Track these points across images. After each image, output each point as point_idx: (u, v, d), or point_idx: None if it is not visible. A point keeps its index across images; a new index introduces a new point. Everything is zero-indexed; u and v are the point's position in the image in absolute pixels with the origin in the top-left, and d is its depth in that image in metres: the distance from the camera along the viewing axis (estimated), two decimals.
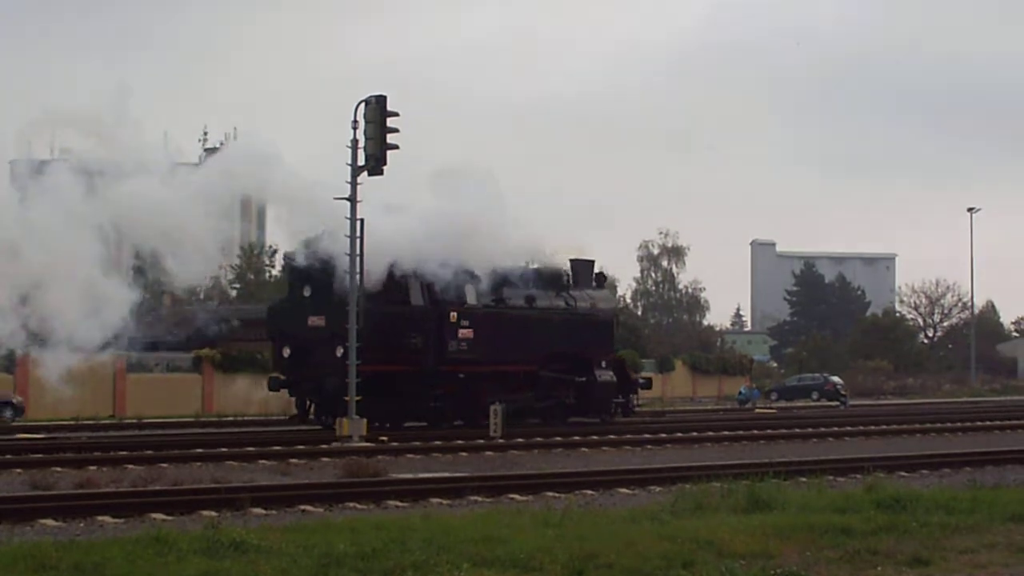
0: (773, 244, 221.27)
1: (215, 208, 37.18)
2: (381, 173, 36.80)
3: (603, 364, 45.68)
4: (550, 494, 22.94)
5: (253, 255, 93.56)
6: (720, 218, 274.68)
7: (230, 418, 50.68)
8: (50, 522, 19.03)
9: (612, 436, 38.39)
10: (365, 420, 36.96)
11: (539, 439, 37.20)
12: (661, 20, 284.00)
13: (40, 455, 30.98)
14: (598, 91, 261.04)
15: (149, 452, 32.03)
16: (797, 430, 43.19)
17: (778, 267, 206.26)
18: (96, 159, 34.94)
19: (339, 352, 37.99)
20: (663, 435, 39.80)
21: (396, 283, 40.55)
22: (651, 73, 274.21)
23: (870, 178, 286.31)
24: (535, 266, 44.89)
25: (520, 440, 36.66)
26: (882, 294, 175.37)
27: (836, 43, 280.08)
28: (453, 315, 41.25)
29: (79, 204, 33.12)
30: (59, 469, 27.73)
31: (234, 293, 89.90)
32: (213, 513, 19.70)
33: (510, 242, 42.64)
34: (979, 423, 48.66)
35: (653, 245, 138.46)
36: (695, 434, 40.76)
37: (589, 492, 23.67)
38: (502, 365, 42.79)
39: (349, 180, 36.97)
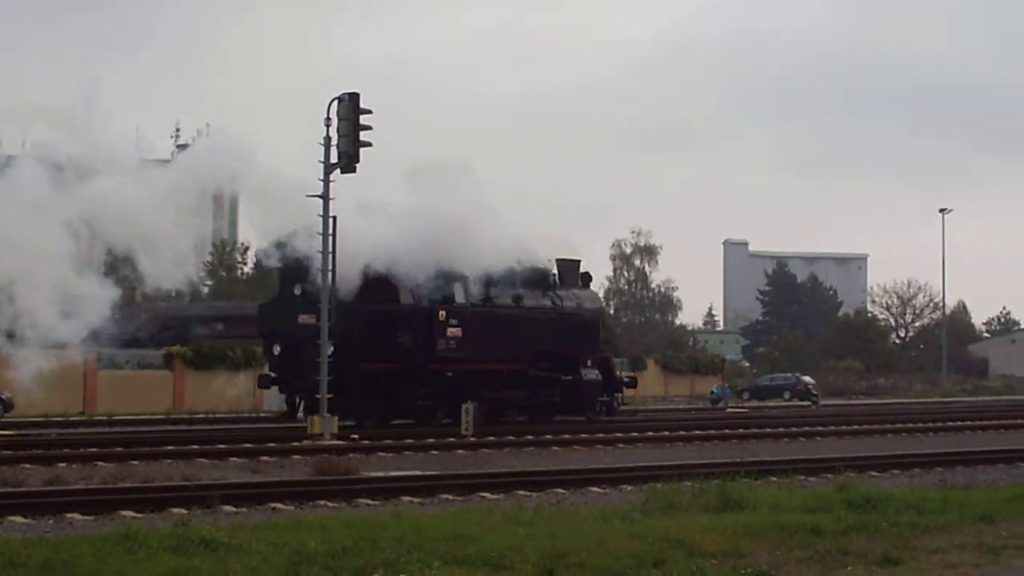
0: (746, 244, 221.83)
1: (186, 205, 37.05)
2: (354, 171, 36.77)
3: (589, 363, 46.04)
4: (521, 492, 22.91)
5: (225, 252, 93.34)
6: (693, 217, 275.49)
7: (201, 415, 50.55)
8: (19, 519, 18.92)
9: (584, 435, 38.39)
10: (336, 418, 36.96)
11: (511, 438, 37.19)
12: (636, 20, 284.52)
13: (9, 452, 30.81)
14: (572, 90, 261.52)
15: (119, 449, 31.88)
16: (769, 430, 43.26)
17: (750, 267, 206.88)
18: (67, 154, 34.73)
19: (330, 350, 38.21)
20: (635, 434, 39.83)
21: (385, 282, 40.66)
22: (624, 73, 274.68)
23: (842, 178, 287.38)
24: (521, 266, 44.95)
25: (492, 438, 36.64)
26: (854, 294, 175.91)
27: (809, 44, 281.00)
28: (442, 314, 41.57)
29: (49, 200, 32.92)
30: (28, 466, 27.60)
31: (206, 290, 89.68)
32: (183, 511, 19.61)
33: (495, 240, 42.72)
34: (950, 423, 48.78)
35: (626, 244, 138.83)
36: (667, 433, 40.76)
37: (561, 491, 23.63)
38: (489, 363, 43.14)
39: (322, 178, 36.91)
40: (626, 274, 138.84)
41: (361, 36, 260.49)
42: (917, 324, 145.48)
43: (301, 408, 41.82)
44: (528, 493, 22.87)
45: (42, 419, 44.93)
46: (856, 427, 45.16)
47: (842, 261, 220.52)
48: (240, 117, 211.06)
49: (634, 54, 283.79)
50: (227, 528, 16.30)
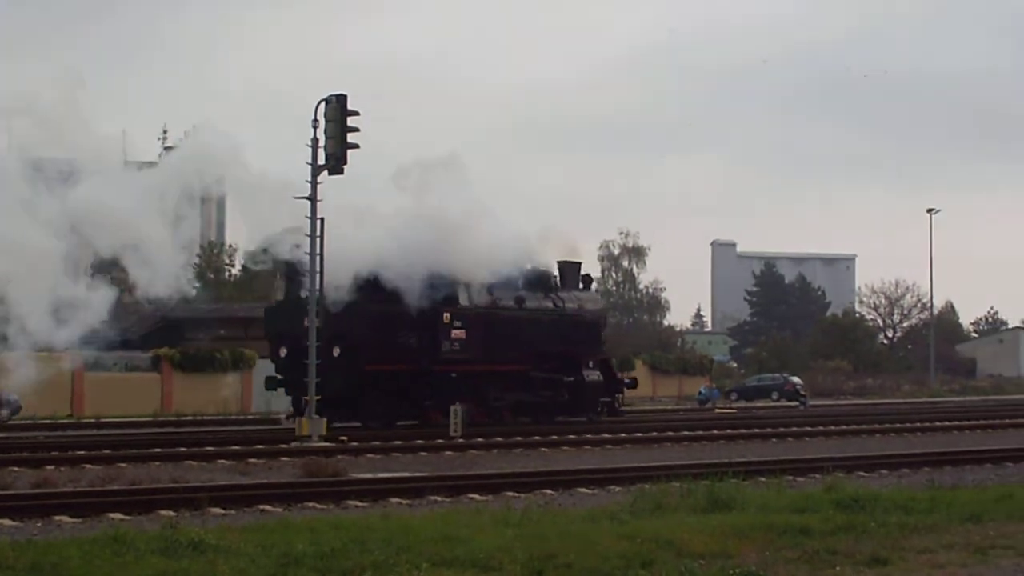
0: (733, 244, 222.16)
1: (173, 207, 36.96)
2: (341, 172, 36.73)
3: (591, 364, 46.59)
4: (510, 494, 22.91)
5: (212, 254, 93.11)
6: (681, 218, 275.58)
7: (189, 417, 50.48)
8: (7, 522, 18.88)
9: (572, 436, 38.41)
10: (324, 419, 37.00)
11: (499, 439, 37.20)
12: (623, 18, 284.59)
13: None
14: (558, 88, 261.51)
15: (107, 451, 31.83)
16: (757, 430, 43.29)
17: (738, 267, 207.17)
18: (51, 156, 34.66)
19: (336, 352, 39.00)
20: (623, 435, 39.84)
21: (390, 284, 40.89)
22: (612, 72, 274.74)
23: (831, 179, 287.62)
24: (523, 268, 45.38)
25: (480, 440, 36.64)
26: (842, 294, 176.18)
27: (799, 44, 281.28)
28: (446, 316, 41.88)
29: (36, 201, 32.82)
30: (16, 468, 27.53)
31: (194, 292, 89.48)
32: (171, 513, 19.61)
33: (495, 242, 43.06)
34: (938, 423, 48.81)
35: (614, 245, 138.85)
36: (655, 434, 40.81)
37: (549, 492, 23.63)
38: (493, 365, 43.53)
39: (309, 179, 36.87)
40: (614, 275, 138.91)
41: (357, 33, 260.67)
42: (905, 324, 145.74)
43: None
44: (516, 494, 22.86)
45: (30, 421, 44.86)
46: (844, 427, 45.20)
47: (830, 261, 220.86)
48: (233, 117, 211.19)
49: (619, 52, 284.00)
50: (215, 530, 16.27)
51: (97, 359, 54.76)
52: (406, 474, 26.41)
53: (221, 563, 13.87)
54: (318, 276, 37.28)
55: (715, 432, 41.67)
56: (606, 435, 39.39)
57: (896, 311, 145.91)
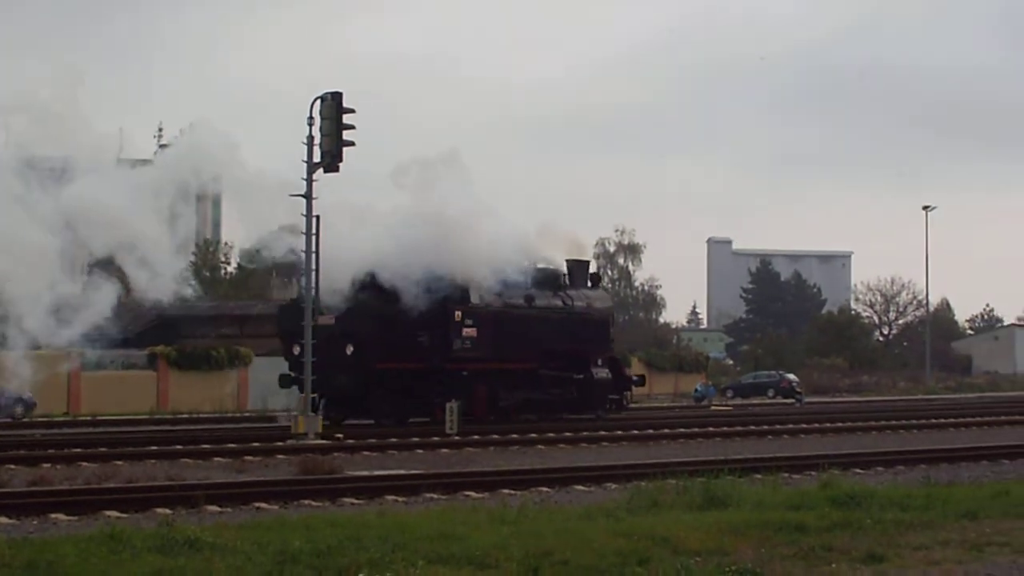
0: (729, 242, 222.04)
1: (169, 205, 36.94)
2: (337, 170, 36.81)
3: (599, 362, 47.09)
4: (506, 491, 22.94)
5: (208, 251, 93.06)
6: (677, 216, 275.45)
7: (185, 415, 50.50)
8: (3, 520, 18.89)
9: (568, 433, 38.44)
10: (320, 417, 37.12)
11: (495, 436, 37.25)
12: (617, 16, 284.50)
13: None
14: (554, 87, 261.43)
15: (103, 449, 31.87)
16: (753, 427, 43.33)
17: (734, 265, 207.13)
18: (47, 153, 34.61)
19: (349, 350, 39.78)
20: (619, 432, 39.88)
21: (402, 283, 41.27)
22: (609, 70, 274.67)
23: (826, 176, 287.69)
24: (532, 266, 45.91)
25: (476, 437, 36.67)
26: (838, 292, 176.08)
27: (794, 41, 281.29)
28: (458, 314, 42.31)
29: (33, 198, 32.77)
30: (12, 467, 27.58)
31: (190, 290, 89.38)
32: (167, 511, 19.63)
33: (504, 240, 43.49)
34: (933, 420, 48.87)
35: (609, 243, 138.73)
36: (651, 431, 40.85)
37: (545, 489, 23.66)
38: (503, 363, 43.88)
39: (305, 177, 36.88)
40: (610, 272, 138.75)
41: (357, 32, 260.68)
42: (901, 321, 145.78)
43: (321, 407, 42.46)
44: (512, 491, 22.89)
45: (26, 419, 44.92)
46: (840, 424, 45.31)
47: (826, 259, 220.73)
48: (234, 117, 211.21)
49: (617, 50, 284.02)
50: (211, 528, 16.29)
51: (94, 358, 54.84)
52: (402, 471, 26.42)
53: (217, 561, 13.86)
54: (322, 274, 37.58)
55: (711, 429, 41.70)
56: (602, 432, 39.45)
57: (892, 308, 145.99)
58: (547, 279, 46.41)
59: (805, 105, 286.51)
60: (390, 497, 22.21)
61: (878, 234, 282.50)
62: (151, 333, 61.91)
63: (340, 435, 36.40)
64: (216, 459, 30.10)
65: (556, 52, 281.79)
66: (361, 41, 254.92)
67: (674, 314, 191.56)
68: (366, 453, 32.30)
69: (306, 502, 21.43)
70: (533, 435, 37.77)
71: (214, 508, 20.23)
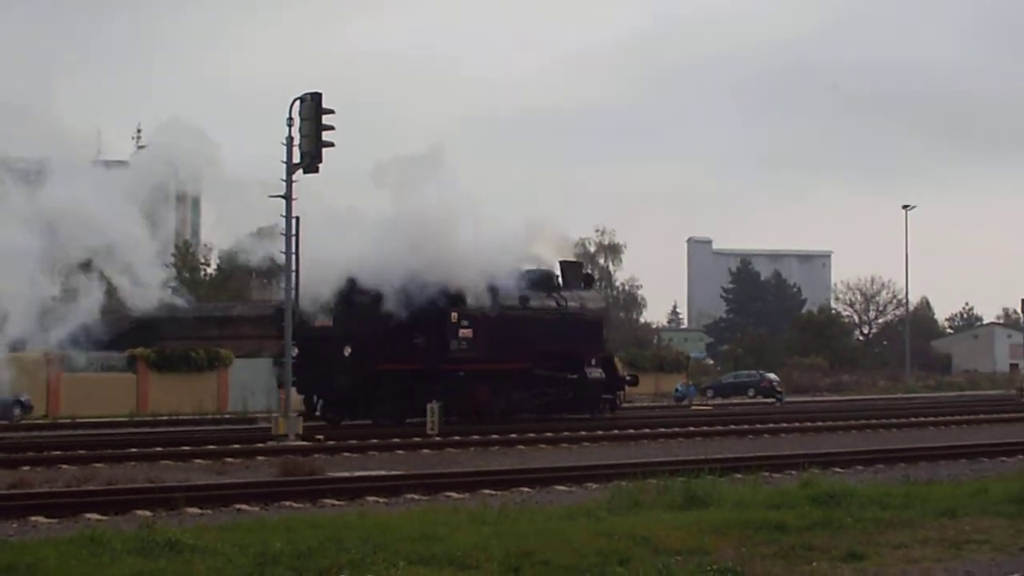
0: (709, 241, 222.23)
1: (144, 206, 36.84)
2: (316, 170, 36.78)
3: (593, 362, 47.27)
4: (487, 492, 22.94)
5: (188, 253, 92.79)
6: (656, 216, 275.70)
7: (164, 417, 50.39)
8: None
9: (549, 434, 38.47)
10: (301, 418, 37.13)
11: (476, 437, 37.23)
12: (599, 15, 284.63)
13: None
14: (532, 86, 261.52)
15: (83, 452, 31.76)
16: (733, 427, 43.38)
17: (714, 264, 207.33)
18: (22, 157, 34.50)
19: (347, 352, 40.33)
20: (600, 432, 39.91)
21: (399, 286, 41.51)
22: (587, 70, 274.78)
23: (806, 176, 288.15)
24: (526, 268, 46.25)
25: (457, 438, 36.66)
26: (818, 291, 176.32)
27: (774, 42, 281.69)
28: (454, 315, 42.63)
29: (11, 200, 32.66)
30: None
31: (169, 291, 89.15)
32: (148, 513, 19.60)
33: (497, 242, 43.79)
34: (913, 419, 49.01)
35: (589, 243, 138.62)
36: (632, 431, 40.86)
37: (526, 489, 23.66)
38: (499, 363, 44.11)
39: (284, 178, 36.85)
40: (590, 272, 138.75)
41: (357, 32, 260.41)
42: (881, 320, 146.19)
43: (319, 408, 43.14)
44: (493, 492, 22.91)
45: (5, 422, 44.77)
46: (820, 424, 45.40)
47: (806, 258, 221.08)
48: (233, 116, 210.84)
49: (595, 48, 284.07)
50: (192, 530, 16.27)
51: (74, 360, 54.66)
52: (383, 472, 26.43)
53: (198, 563, 13.86)
54: (304, 276, 37.62)
55: (692, 429, 41.77)
56: (583, 432, 39.48)
57: (872, 307, 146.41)
58: (541, 280, 46.73)
59: (784, 104, 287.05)
60: (371, 498, 22.21)
61: (858, 233, 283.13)
62: (130, 335, 61.67)
63: (320, 436, 36.37)
64: (196, 461, 30.06)
65: (532, 51, 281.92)
66: (361, 41, 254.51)
67: (654, 314, 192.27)
68: (347, 454, 32.28)
69: (287, 503, 21.41)
70: (513, 435, 37.77)
71: (194, 510, 20.20)
